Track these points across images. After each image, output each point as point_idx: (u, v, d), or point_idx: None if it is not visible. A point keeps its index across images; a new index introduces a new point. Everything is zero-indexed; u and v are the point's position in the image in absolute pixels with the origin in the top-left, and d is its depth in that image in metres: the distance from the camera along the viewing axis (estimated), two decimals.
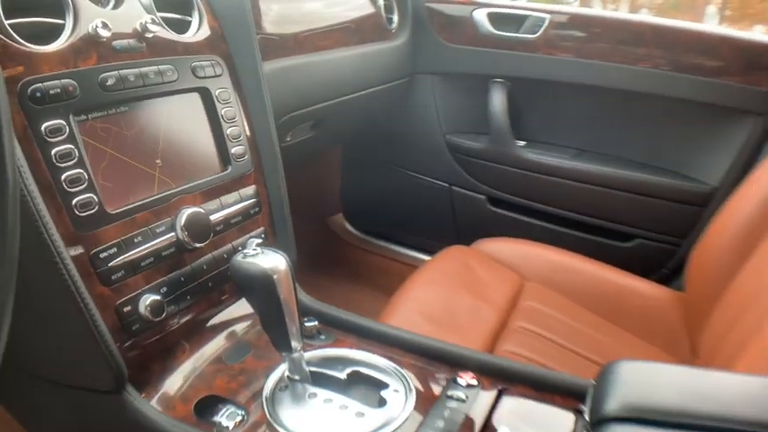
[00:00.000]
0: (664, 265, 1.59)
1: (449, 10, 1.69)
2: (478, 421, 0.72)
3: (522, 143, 1.68)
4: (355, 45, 1.45)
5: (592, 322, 1.25)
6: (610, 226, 1.63)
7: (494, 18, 1.64)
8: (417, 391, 0.76)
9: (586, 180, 1.60)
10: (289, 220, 0.98)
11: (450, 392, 0.76)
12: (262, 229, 0.93)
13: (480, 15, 1.64)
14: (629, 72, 1.51)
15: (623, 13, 1.80)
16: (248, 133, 0.93)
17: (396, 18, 1.64)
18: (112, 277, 0.69)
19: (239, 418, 0.71)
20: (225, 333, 0.86)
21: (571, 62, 1.56)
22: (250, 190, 0.91)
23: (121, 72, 0.73)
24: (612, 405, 0.56)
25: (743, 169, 1.42)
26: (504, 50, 1.63)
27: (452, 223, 1.81)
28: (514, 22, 1.64)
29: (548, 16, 1.59)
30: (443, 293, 1.23)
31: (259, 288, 0.69)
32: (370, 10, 1.54)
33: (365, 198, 1.95)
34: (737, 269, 1.10)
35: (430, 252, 1.45)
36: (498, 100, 1.64)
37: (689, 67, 1.46)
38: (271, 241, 0.95)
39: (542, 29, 1.58)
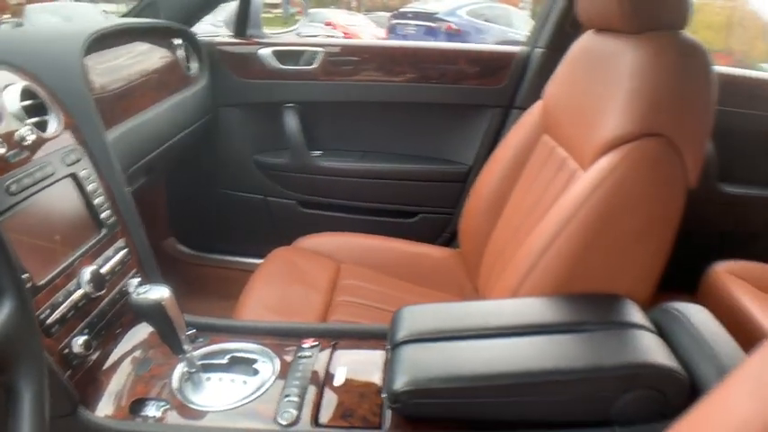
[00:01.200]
0: (444, 231, 1.97)
1: (238, 50, 1.92)
2: (321, 370, 1.00)
3: (317, 153, 1.97)
4: (167, 97, 1.63)
5: (397, 286, 1.52)
6: (398, 208, 1.97)
7: (278, 54, 1.90)
8: (278, 359, 1.02)
9: (373, 175, 1.93)
10: (152, 257, 1.21)
11: (299, 354, 1.03)
12: (135, 270, 1.15)
13: (265, 53, 1.89)
14: (392, 86, 1.89)
15: (382, 41, 2.21)
16: (109, 199, 1.14)
17: (194, 64, 1.85)
18: (51, 331, 0.89)
19: (164, 407, 0.93)
20: (133, 352, 1.06)
21: (346, 84, 1.89)
22: (121, 243, 1.13)
23: (18, 177, 0.93)
24: (399, 335, 0.94)
25: (488, 150, 1.82)
26: (289, 81, 1.90)
27: (273, 228, 2.05)
28: (296, 55, 1.91)
29: (321, 49, 1.90)
30: (277, 288, 1.44)
31: (155, 314, 0.91)
32: (170, 59, 1.73)
33: (193, 219, 2.12)
34: (493, 225, 1.48)
35: (260, 256, 1.65)
36: (292, 121, 1.92)
37: (437, 78, 1.87)
38: (144, 278, 1.17)
39: (318, 60, 1.90)
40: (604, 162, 1.05)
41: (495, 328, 0.96)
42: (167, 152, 1.63)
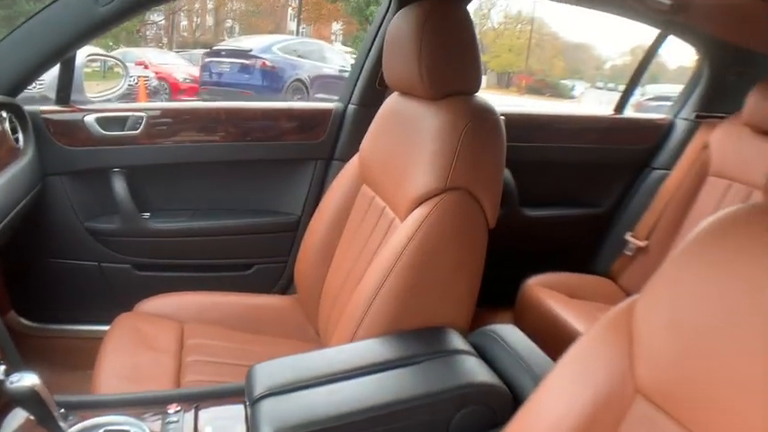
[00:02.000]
0: (280, 279, 2.06)
1: (63, 117, 1.88)
2: (189, 430, 1.07)
3: (147, 215, 1.97)
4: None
5: (243, 339, 1.56)
6: (233, 262, 2.02)
7: (103, 120, 1.88)
8: (148, 428, 1.06)
9: (205, 233, 1.97)
10: (9, 340, 1.22)
11: (167, 420, 1.08)
12: None
13: (90, 119, 1.87)
14: (217, 146, 1.95)
15: (203, 102, 2.26)
16: None
17: (21, 135, 1.77)
18: None
19: None
20: None
21: (171, 147, 1.92)
22: None
23: None
24: (257, 391, 1.03)
25: (315, 200, 1.97)
26: (115, 146, 1.90)
27: (112, 294, 2.01)
28: (121, 120, 1.91)
29: (144, 114, 1.92)
30: (127, 356, 1.43)
31: (31, 400, 0.93)
32: None
33: (31, 291, 2.04)
34: (325, 271, 1.60)
35: (104, 321, 1.64)
36: (120, 186, 1.90)
37: (260, 135, 1.97)
38: (6, 363, 1.13)
39: (143, 124, 1.91)
40: (417, 214, 1.23)
41: (342, 372, 1.08)
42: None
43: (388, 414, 1.00)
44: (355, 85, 2.03)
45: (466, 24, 1.35)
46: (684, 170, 2.27)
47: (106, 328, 1.57)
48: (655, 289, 0.78)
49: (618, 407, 0.75)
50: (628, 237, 2.31)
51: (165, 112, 1.95)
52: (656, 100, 10.20)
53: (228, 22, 24.21)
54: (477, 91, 1.36)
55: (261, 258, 2.03)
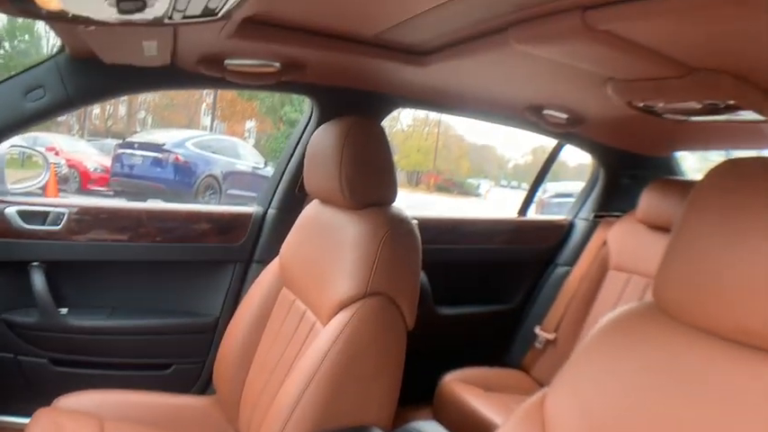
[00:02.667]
0: (198, 379, 2.03)
1: None
2: None
3: (64, 311, 1.91)
4: None
5: None
6: (152, 361, 1.98)
7: (24, 213, 1.85)
8: None
9: (124, 332, 1.93)
10: None
11: None
12: None
13: (11, 212, 1.83)
14: (138, 246, 1.94)
15: (125, 202, 2.26)
16: None
17: None
18: None
19: None
20: None
21: (92, 244, 1.90)
22: None
23: None
24: None
25: (234, 301, 1.99)
26: (35, 240, 1.86)
27: (29, 387, 1.92)
28: (42, 215, 1.87)
29: (66, 210, 1.89)
30: None
31: None
32: None
33: None
34: (246, 372, 1.60)
35: (22, 414, 1.60)
36: (38, 280, 1.85)
37: (181, 237, 1.97)
38: None
39: (64, 221, 1.88)
40: (339, 318, 1.28)
41: None
42: None
43: None
44: (275, 190, 2.10)
45: (382, 140, 1.47)
46: (586, 266, 2.42)
47: (25, 420, 1.51)
48: (563, 381, 0.86)
49: None
50: (537, 330, 2.42)
51: (88, 210, 1.94)
52: (558, 197, 10.82)
53: (142, 113, 24.06)
54: (393, 201, 1.46)
55: (179, 358, 2.00)
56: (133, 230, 1.94)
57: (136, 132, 15.16)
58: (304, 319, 1.48)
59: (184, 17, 1.11)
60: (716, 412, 0.69)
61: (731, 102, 1.40)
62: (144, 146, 9.94)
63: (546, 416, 0.84)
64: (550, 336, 2.35)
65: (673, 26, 1.05)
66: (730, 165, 0.76)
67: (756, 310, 0.67)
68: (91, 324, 1.92)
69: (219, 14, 1.13)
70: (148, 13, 1.05)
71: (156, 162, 9.60)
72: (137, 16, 1.05)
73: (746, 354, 0.70)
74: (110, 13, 1.04)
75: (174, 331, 1.99)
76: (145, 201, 8.70)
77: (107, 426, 1.53)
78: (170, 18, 1.11)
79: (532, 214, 2.84)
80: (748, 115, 1.49)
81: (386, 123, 2.31)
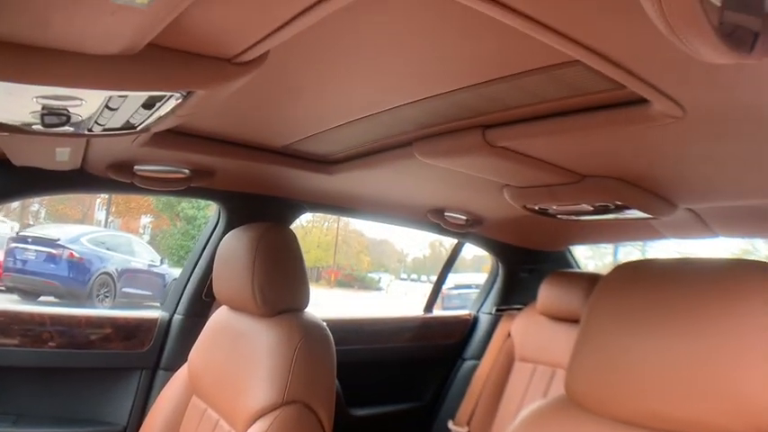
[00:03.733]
0: None
1: None
2: None
3: None
4: None
5: None
6: None
7: None
8: None
9: None
10: None
11: None
12: None
13: None
14: (42, 352, 1.84)
15: (28, 306, 2.14)
16: None
17: None
18: None
19: None
20: None
21: None
22: None
23: None
24: None
25: (141, 410, 1.91)
26: None
27: None
28: None
29: None
30: None
31: None
32: None
33: None
34: None
35: None
36: None
37: (85, 343, 1.89)
38: None
39: None
40: (256, 428, 1.26)
41: None
42: None
43: None
44: (181, 295, 2.06)
45: (294, 246, 1.49)
46: (492, 358, 2.50)
47: None
48: None
49: None
50: (450, 425, 2.44)
51: None
52: (457, 288, 11.09)
53: (35, 206, 22.85)
54: (306, 307, 1.47)
55: None
56: (36, 336, 1.85)
57: (29, 226, 14.41)
58: (217, 428, 1.44)
59: (104, 130, 1.13)
60: None
61: (619, 203, 1.54)
62: (38, 241, 9.47)
63: None
64: (463, 430, 2.38)
65: (565, 141, 1.17)
66: (627, 267, 0.85)
67: (665, 396, 0.74)
68: None
69: (138, 128, 1.15)
70: (70, 126, 1.06)
71: (51, 258, 9.17)
72: (58, 129, 1.06)
73: None
74: (32, 124, 1.05)
75: None
76: (37, 298, 8.26)
77: None
78: (90, 130, 1.12)
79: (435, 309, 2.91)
80: (635, 213, 1.64)
81: None
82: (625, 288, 0.83)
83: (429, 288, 2.90)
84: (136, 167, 1.68)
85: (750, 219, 1.76)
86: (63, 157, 1.49)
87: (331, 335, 1.43)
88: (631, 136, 1.12)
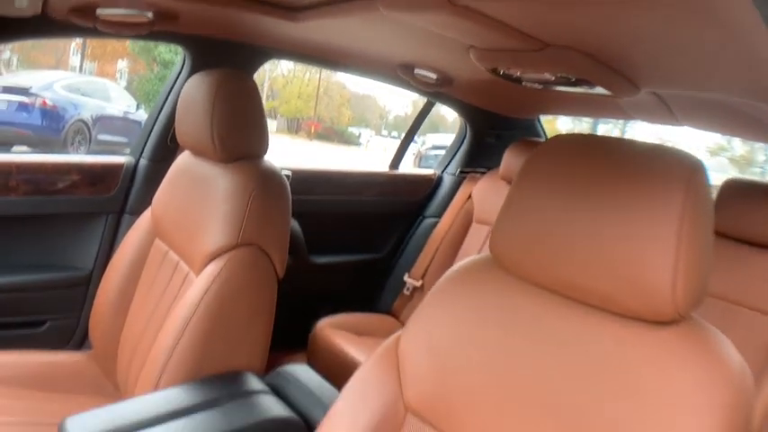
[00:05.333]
0: (74, 335, 1.99)
1: None
2: None
3: None
4: None
5: (39, 397, 1.51)
6: (24, 319, 1.92)
7: None
8: None
9: None
10: None
11: None
12: None
13: None
14: (5, 201, 1.86)
15: None
16: None
17: None
18: None
19: None
20: None
21: None
22: None
23: None
24: None
25: (107, 254, 1.97)
26: None
27: None
28: None
29: None
30: None
31: None
32: None
33: None
34: (122, 325, 1.61)
35: None
36: None
37: (50, 189, 1.91)
38: None
39: None
40: (211, 268, 1.34)
41: (151, 419, 1.14)
42: None
43: None
44: (147, 140, 2.07)
45: (253, 94, 1.50)
46: (452, 218, 2.60)
47: None
48: (414, 323, 0.97)
49: (393, 425, 0.92)
50: (406, 278, 2.58)
51: None
52: (435, 149, 11.17)
53: (6, 54, 22.02)
54: (264, 155, 1.51)
55: (53, 314, 1.96)
56: (1, 185, 1.86)
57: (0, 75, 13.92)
58: (177, 269, 1.51)
59: None
60: (541, 358, 0.82)
61: (580, 77, 1.54)
62: (9, 89, 9.13)
63: (400, 355, 0.96)
64: (417, 283, 2.51)
65: (530, 6, 1.15)
66: (559, 140, 0.88)
67: (577, 266, 0.79)
68: None
69: None
70: None
71: (23, 107, 8.88)
72: None
73: (568, 306, 0.83)
74: None
75: (46, 287, 1.94)
76: (10, 148, 8.14)
77: None
78: None
79: (408, 166, 2.94)
80: (601, 90, 1.64)
81: (266, 67, 2.31)
82: (556, 158, 0.85)
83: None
84: (98, 11, 1.62)
85: (714, 112, 1.77)
86: (22, 3, 1.45)
87: (287, 182, 1.48)
88: (595, 9, 1.10)
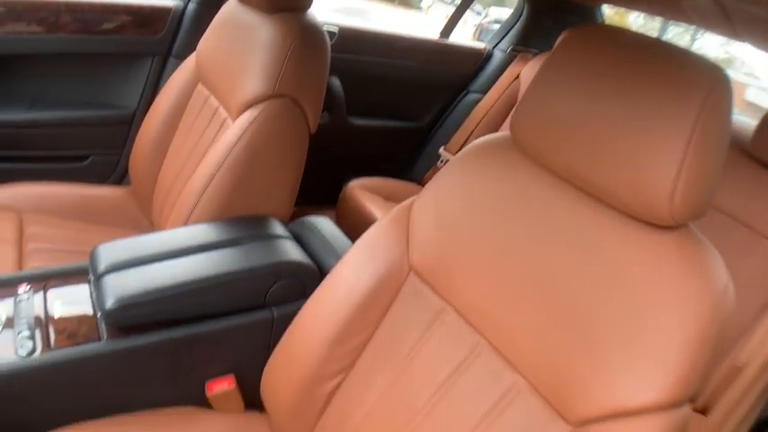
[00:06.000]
0: (114, 170, 2.09)
1: None
2: (41, 308, 1.14)
3: None
4: None
5: (80, 228, 1.62)
6: (69, 153, 2.01)
7: None
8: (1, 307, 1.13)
9: (42, 124, 1.93)
10: None
11: (18, 300, 1.13)
12: None
13: None
14: (55, 39, 1.89)
15: None
16: None
17: None
18: None
19: None
20: None
21: (8, 38, 1.83)
22: None
23: None
24: (101, 268, 1.15)
25: (150, 95, 2.02)
26: None
27: None
28: None
29: None
30: None
31: None
32: None
33: None
34: (160, 164, 1.70)
35: None
36: None
37: (99, 29, 1.93)
38: None
39: None
40: (247, 115, 1.39)
41: (176, 250, 1.24)
42: None
43: (216, 284, 1.19)
44: None
45: None
46: (496, 96, 2.56)
47: None
48: (428, 191, 1.02)
49: (396, 280, 1.00)
50: (441, 150, 2.60)
51: (3, 2, 1.87)
52: (497, 23, 10.66)
53: None
54: (308, 8, 1.51)
55: (96, 150, 2.05)
56: (51, 23, 1.88)
57: None
58: (216, 114, 1.57)
59: None
60: (540, 239, 0.86)
61: None
62: None
63: (411, 218, 1.01)
64: (452, 157, 2.53)
65: None
66: (595, 30, 0.87)
67: (587, 156, 0.81)
68: (8, 118, 1.91)
69: None
70: None
71: None
72: None
73: (576, 196, 0.86)
74: None
75: (91, 123, 2.02)
76: None
77: (25, 218, 1.61)
78: None
79: (466, 38, 2.83)
80: None
81: None
82: (587, 47, 0.85)
83: (470, 15, 2.76)
84: None
85: None
86: None
87: (328, 38, 1.49)
88: None
